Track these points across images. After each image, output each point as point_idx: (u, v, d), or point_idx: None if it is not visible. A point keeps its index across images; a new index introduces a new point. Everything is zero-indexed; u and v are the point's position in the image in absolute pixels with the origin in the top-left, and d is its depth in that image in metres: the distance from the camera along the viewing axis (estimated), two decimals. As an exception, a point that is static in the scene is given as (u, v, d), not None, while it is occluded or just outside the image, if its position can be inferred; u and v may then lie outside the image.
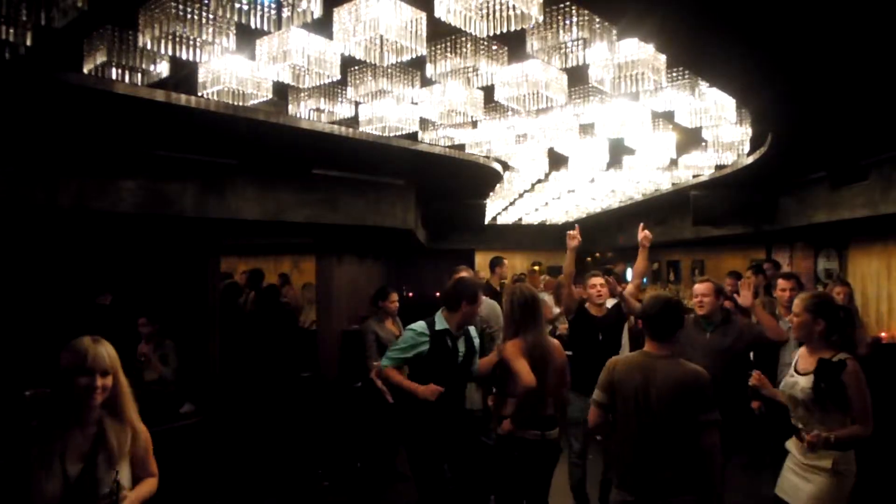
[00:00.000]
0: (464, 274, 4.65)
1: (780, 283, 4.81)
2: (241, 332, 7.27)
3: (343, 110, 4.53)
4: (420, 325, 3.78)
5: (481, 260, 15.84)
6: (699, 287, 4.17)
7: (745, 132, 5.56)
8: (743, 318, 4.35)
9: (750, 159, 6.51)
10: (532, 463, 3.55)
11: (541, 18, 3.01)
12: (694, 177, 7.99)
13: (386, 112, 4.58)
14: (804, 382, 3.05)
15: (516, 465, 3.56)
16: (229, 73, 3.76)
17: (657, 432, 2.70)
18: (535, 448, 3.53)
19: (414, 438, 3.80)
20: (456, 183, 7.89)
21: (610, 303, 4.87)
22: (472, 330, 4.01)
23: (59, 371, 2.13)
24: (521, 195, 10.78)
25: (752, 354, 4.82)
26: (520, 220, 14.77)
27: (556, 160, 7.43)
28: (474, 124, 5.41)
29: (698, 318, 4.16)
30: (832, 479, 2.97)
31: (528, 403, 3.47)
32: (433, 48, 3.61)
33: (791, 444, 3.20)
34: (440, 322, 3.78)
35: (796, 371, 3.17)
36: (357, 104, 4.56)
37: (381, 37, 3.08)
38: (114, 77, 3.52)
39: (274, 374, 6.94)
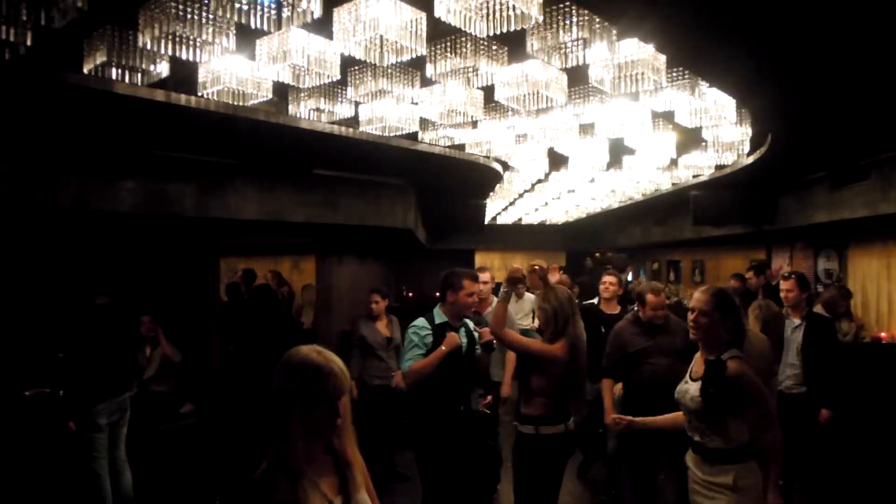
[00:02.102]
0: (486, 274, 5.07)
1: (782, 283, 4.81)
2: (237, 332, 7.27)
3: (343, 110, 4.53)
4: (420, 322, 3.84)
5: (481, 260, 15.84)
6: (657, 300, 4.23)
7: (745, 132, 5.56)
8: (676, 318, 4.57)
9: (750, 159, 6.51)
10: (559, 456, 3.64)
11: (541, 18, 3.00)
12: (694, 177, 7.99)
13: (386, 112, 4.58)
14: (694, 390, 2.80)
15: (546, 461, 3.61)
16: (229, 73, 3.76)
17: None
18: (561, 441, 3.62)
19: (423, 437, 3.82)
20: (456, 183, 7.90)
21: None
22: (470, 323, 4.03)
23: (297, 395, 1.74)
24: (521, 195, 10.78)
25: None
26: (520, 220, 14.77)
27: (556, 160, 7.43)
28: (474, 124, 5.41)
29: (642, 322, 4.26)
30: (733, 498, 2.69)
31: (559, 400, 3.57)
32: (433, 48, 3.60)
33: (689, 459, 2.93)
34: (438, 316, 3.84)
35: (690, 377, 2.91)
36: (357, 104, 4.55)
37: (381, 37, 3.08)
38: (114, 77, 3.52)
39: (260, 372, 6.94)
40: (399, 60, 3.27)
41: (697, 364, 2.91)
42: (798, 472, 4.63)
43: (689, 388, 2.84)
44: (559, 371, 3.53)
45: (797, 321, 4.68)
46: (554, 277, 5.32)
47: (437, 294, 3.94)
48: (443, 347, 3.65)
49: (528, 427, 3.55)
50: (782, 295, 4.79)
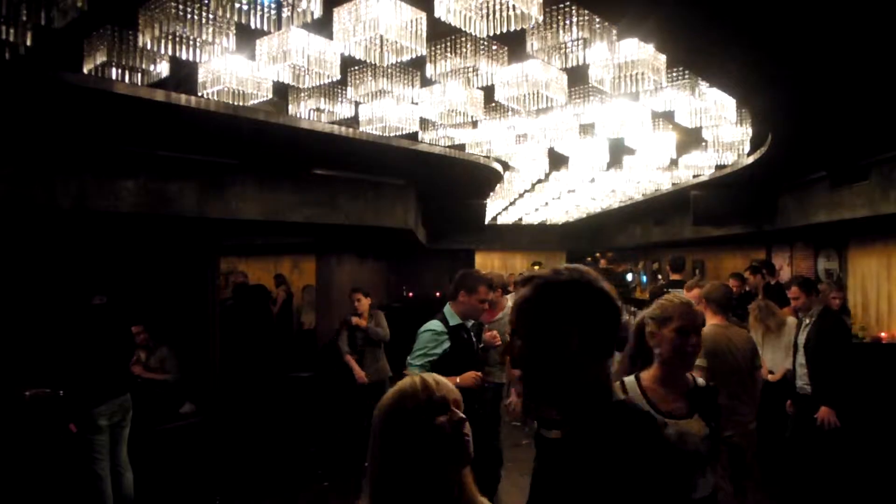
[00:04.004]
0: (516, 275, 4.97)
1: (788, 292, 4.86)
2: (228, 332, 7.29)
3: (343, 110, 4.53)
4: (435, 325, 3.78)
5: (481, 260, 15.85)
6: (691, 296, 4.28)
7: (745, 132, 5.56)
8: None
9: (750, 159, 6.51)
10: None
11: (541, 18, 3.00)
12: (694, 177, 7.99)
13: (386, 112, 4.58)
14: (698, 429, 2.19)
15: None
16: (229, 73, 3.76)
17: (741, 378, 3.61)
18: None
19: None
20: (456, 183, 7.89)
21: None
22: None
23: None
24: (521, 195, 10.78)
25: None
26: (520, 220, 14.76)
27: (556, 160, 7.43)
28: (474, 124, 5.40)
29: None
30: None
31: None
32: (433, 48, 3.60)
33: None
34: (451, 317, 3.80)
35: (669, 415, 2.20)
36: (357, 104, 4.55)
37: (381, 37, 3.08)
38: (114, 77, 3.52)
39: (258, 372, 6.96)
40: (399, 60, 3.26)
41: (666, 396, 2.26)
42: (804, 471, 4.64)
43: (690, 428, 2.20)
44: None
45: (807, 321, 4.72)
46: None
47: (452, 290, 3.91)
48: (458, 380, 3.54)
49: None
50: (792, 304, 4.85)
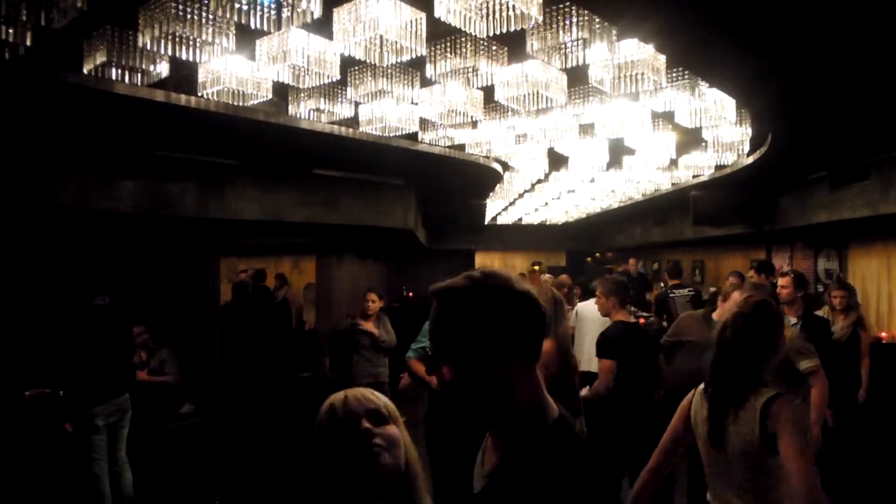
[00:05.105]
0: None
1: (779, 280, 4.86)
2: (233, 331, 7.28)
3: (343, 110, 4.53)
4: None
5: (481, 260, 15.83)
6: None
7: (745, 132, 5.56)
8: None
9: (750, 159, 6.51)
10: None
11: (541, 18, 3.00)
12: (694, 177, 7.99)
13: (386, 112, 4.58)
14: None
15: None
16: (229, 73, 3.76)
17: None
18: None
19: (443, 437, 3.84)
20: (456, 183, 7.90)
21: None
22: None
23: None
24: (521, 195, 10.78)
25: None
26: (520, 220, 14.76)
27: (556, 160, 7.43)
28: (474, 124, 5.40)
29: (706, 315, 4.39)
30: None
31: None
32: (433, 48, 3.60)
33: None
34: None
35: None
36: (357, 104, 4.55)
37: (381, 37, 3.08)
38: (114, 77, 3.53)
39: (266, 373, 6.95)
40: (399, 60, 3.26)
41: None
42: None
43: None
44: (553, 371, 3.52)
45: (793, 319, 4.71)
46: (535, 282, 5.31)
47: None
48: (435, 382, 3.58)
49: None
50: (777, 291, 4.83)
